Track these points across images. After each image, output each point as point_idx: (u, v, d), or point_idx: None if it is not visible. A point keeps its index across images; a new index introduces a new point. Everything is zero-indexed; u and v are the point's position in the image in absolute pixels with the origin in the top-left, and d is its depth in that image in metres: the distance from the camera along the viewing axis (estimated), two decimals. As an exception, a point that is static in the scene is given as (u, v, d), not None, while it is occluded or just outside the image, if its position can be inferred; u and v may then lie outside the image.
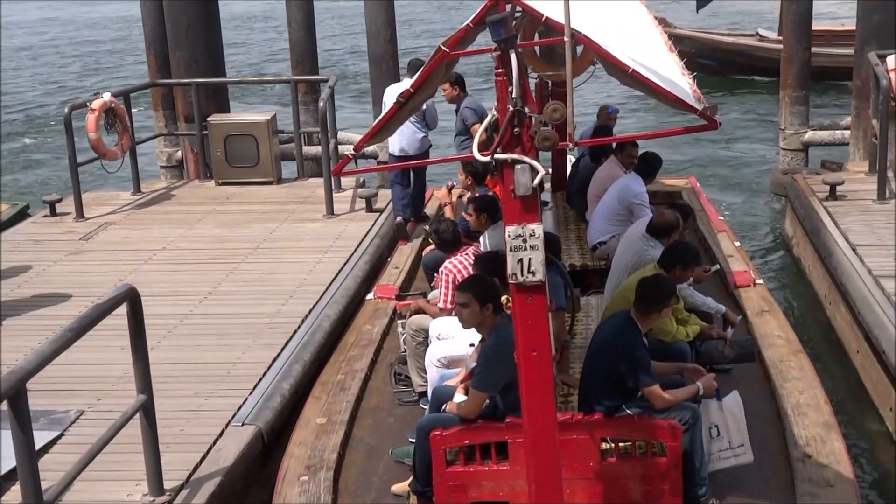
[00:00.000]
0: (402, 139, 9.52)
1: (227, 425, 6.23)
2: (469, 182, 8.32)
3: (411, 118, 10.02)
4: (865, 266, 8.40)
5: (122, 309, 5.12)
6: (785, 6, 12.90)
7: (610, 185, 8.64)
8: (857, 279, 8.21)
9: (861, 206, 9.96)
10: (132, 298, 5.15)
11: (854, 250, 8.78)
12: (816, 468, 5.32)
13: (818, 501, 5.04)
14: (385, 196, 11.07)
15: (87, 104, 11.07)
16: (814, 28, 13.37)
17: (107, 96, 11.19)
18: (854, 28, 12.20)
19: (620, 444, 5.07)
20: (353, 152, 4.44)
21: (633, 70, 3.87)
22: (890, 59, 10.48)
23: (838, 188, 10.24)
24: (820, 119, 13.98)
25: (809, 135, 12.87)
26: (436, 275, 7.26)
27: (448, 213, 8.89)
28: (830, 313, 9.11)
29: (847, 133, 12.37)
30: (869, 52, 10.99)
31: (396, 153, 9.76)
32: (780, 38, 21.72)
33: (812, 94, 13.39)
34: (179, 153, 13.53)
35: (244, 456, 5.95)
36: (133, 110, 11.96)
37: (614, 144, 9.11)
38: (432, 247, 8.03)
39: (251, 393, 6.66)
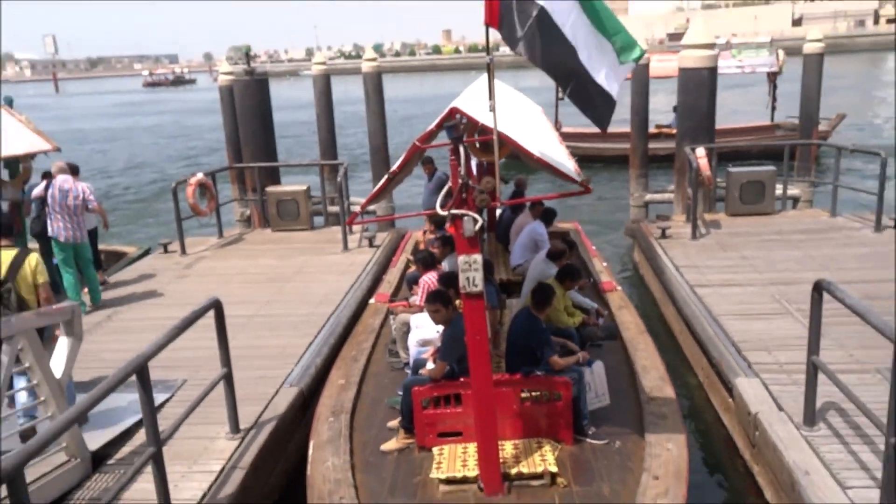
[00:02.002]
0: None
1: (280, 387, 6.16)
2: (432, 228, 8.39)
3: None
4: (684, 279, 8.49)
5: (212, 312, 5.08)
6: (632, 113, 13.08)
7: (524, 228, 8.71)
8: (679, 287, 8.28)
9: (681, 242, 10.05)
10: (217, 306, 5.11)
11: (677, 269, 8.87)
12: (656, 406, 5.35)
13: (658, 426, 5.07)
14: (381, 236, 11.05)
15: (187, 180, 10.98)
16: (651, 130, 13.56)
17: (200, 175, 11.09)
18: (674, 130, 12.38)
19: (533, 394, 5.06)
20: (359, 210, 4.45)
21: (537, 156, 3.92)
22: (698, 150, 10.69)
23: (667, 231, 10.37)
24: (655, 186, 14.14)
25: (648, 196, 13.02)
26: (415, 286, 7.25)
27: (422, 245, 8.92)
28: (663, 309, 9.18)
29: (672, 196, 12.54)
30: (685, 146, 11.20)
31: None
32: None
33: (650, 172, 13.54)
34: (248, 211, 13.41)
35: (291, 407, 5.88)
36: (217, 183, 11.87)
37: (528, 203, 9.19)
38: (412, 268, 8.02)
39: (296, 365, 6.59)
